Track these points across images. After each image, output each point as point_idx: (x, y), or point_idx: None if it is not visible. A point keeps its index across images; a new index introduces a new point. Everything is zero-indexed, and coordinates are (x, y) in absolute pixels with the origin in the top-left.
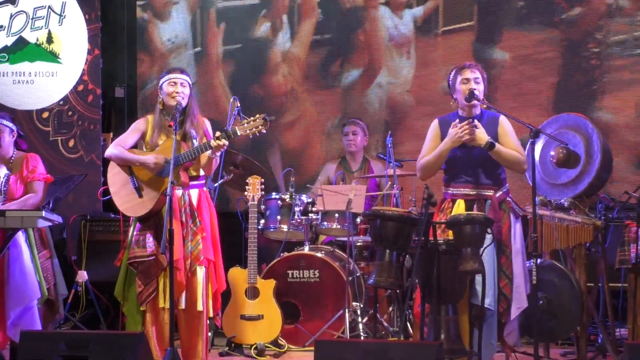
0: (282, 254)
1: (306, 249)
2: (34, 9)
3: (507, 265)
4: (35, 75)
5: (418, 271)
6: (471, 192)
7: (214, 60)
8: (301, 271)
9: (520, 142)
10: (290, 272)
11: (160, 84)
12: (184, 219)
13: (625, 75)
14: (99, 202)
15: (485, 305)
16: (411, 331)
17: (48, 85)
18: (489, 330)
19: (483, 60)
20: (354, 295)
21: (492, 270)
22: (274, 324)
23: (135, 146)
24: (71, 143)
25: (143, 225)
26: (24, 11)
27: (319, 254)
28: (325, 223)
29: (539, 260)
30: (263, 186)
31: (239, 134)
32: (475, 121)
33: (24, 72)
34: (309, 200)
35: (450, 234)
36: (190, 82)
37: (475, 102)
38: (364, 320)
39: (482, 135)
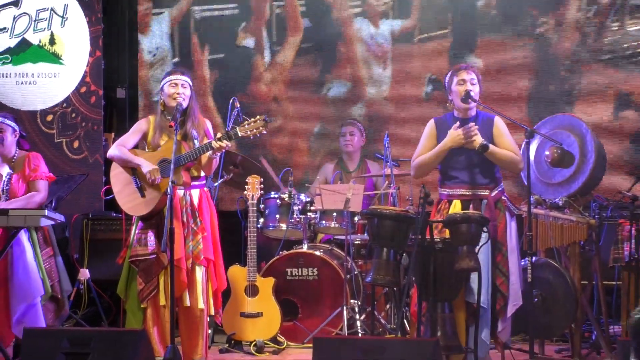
0: (281, 252)
1: (305, 248)
2: (37, 11)
3: (503, 263)
4: (38, 77)
5: (415, 269)
6: (467, 193)
7: (196, 71)
8: (300, 269)
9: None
10: (289, 270)
11: (161, 85)
12: (185, 219)
13: (598, 79)
14: (100, 201)
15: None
16: (408, 328)
17: (51, 86)
18: (482, 327)
19: None
20: (352, 292)
21: (486, 268)
22: (273, 321)
23: (136, 146)
24: (76, 144)
25: (145, 224)
26: (26, 13)
27: (317, 252)
28: (323, 222)
29: (534, 259)
30: (262, 185)
31: (239, 135)
32: (471, 124)
33: (26, 73)
34: (308, 199)
35: (447, 234)
36: (191, 83)
37: (471, 102)
38: (362, 318)
39: (475, 138)
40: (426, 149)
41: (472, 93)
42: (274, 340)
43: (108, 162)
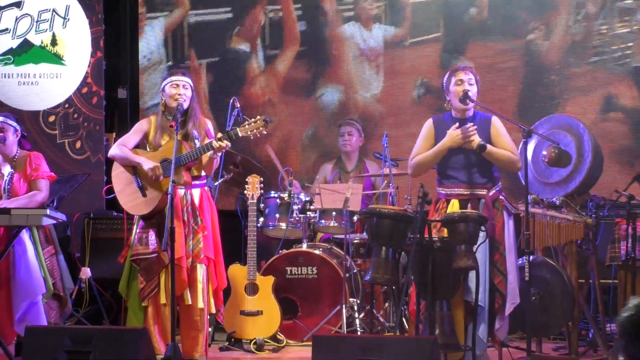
0: (280, 251)
1: (304, 246)
2: (39, 12)
3: (501, 262)
4: (40, 77)
5: (413, 268)
6: (465, 192)
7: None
8: (299, 268)
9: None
10: (288, 268)
11: (162, 86)
12: (185, 218)
13: (587, 82)
14: (101, 201)
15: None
16: (407, 326)
17: (52, 86)
18: (480, 325)
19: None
20: (351, 291)
21: (484, 267)
22: (272, 320)
23: (138, 146)
24: (78, 145)
25: (146, 224)
26: (28, 14)
27: (316, 251)
28: (323, 221)
29: (531, 257)
30: (262, 185)
31: (240, 135)
32: (469, 124)
33: (28, 74)
34: (307, 198)
35: (445, 233)
36: (192, 84)
37: (469, 103)
38: (361, 316)
39: (473, 138)
40: (424, 148)
41: (470, 93)
42: (273, 338)
43: (109, 162)
